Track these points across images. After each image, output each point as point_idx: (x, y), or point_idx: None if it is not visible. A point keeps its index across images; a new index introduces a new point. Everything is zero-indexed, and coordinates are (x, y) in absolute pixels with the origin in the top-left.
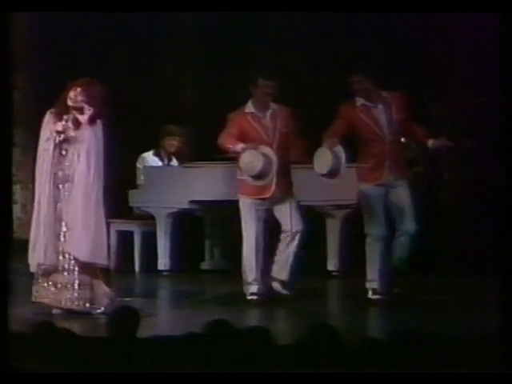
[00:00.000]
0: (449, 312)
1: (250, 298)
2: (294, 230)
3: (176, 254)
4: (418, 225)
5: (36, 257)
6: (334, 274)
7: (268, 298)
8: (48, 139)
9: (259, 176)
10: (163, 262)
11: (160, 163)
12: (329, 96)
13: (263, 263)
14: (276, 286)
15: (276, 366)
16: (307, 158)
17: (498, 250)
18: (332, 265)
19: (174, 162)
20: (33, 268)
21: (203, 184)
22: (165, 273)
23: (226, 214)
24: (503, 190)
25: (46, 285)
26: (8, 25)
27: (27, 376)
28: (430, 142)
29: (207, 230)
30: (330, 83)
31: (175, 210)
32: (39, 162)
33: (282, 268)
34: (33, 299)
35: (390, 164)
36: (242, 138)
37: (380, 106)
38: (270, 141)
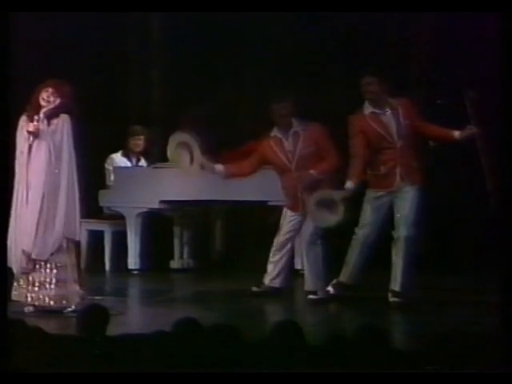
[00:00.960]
0: (444, 312)
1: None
2: (306, 239)
3: (146, 253)
4: (416, 229)
5: (14, 257)
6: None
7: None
8: (24, 142)
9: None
10: (133, 261)
11: (128, 164)
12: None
13: (283, 267)
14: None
15: (243, 363)
16: (331, 171)
17: (498, 250)
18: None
19: (143, 163)
20: (15, 270)
21: (173, 184)
22: (135, 272)
23: (194, 213)
24: (503, 190)
25: (23, 283)
26: (8, 25)
27: (27, 376)
28: (457, 134)
29: (176, 229)
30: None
31: (145, 209)
32: (17, 165)
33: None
34: (12, 298)
35: (401, 170)
36: (263, 162)
37: (388, 112)
38: (290, 163)
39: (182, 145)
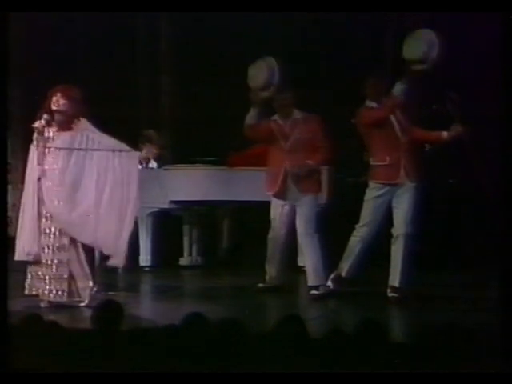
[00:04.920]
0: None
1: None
2: (300, 232)
3: (156, 250)
4: (415, 227)
5: (20, 248)
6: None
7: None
8: (33, 141)
9: (264, 87)
10: (145, 258)
11: (139, 166)
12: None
13: (282, 259)
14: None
15: (247, 355)
16: (324, 163)
17: (497, 246)
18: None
19: (153, 164)
20: (16, 256)
21: (182, 185)
22: (146, 268)
23: (203, 213)
24: (503, 189)
25: (34, 277)
26: (8, 25)
27: (27, 376)
28: (445, 134)
29: (186, 228)
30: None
31: (156, 209)
32: (28, 162)
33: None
34: (25, 292)
35: (405, 164)
36: (264, 138)
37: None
38: (284, 145)
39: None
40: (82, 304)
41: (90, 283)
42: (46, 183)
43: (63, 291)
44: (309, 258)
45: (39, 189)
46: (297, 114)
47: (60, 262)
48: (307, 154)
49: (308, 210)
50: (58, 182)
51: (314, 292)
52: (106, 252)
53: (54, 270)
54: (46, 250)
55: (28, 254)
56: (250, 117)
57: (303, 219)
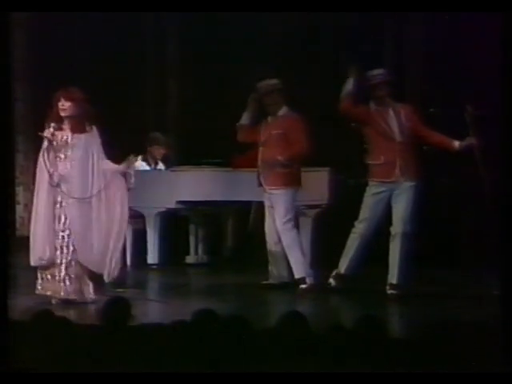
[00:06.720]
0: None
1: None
2: (280, 228)
3: (163, 249)
4: (413, 225)
5: (35, 252)
6: None
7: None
8: (43, 146)
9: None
10: (152, 256)
11: (148, 167)
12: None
13: (278, 257)
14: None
15: (251, 348)
16: (292, 160)
17: (496, 244)
18: None
19: (161, 166)
20: (32, 262)
21: (188, 186)
22: (153, 266)
23: (208, 213)
24: (504, 189)
25: (46, 278)
26: (8, 25)
27: (27, 376)
28: (457, 144)
29: (192, 227)
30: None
31: (163, 209)
32: (38, 166)
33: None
34: (36, 291)
35: (401, 163)
36: (254, 139)
37: (391, 111)
38: (261, 140)
39: None
40: (91, 301)
41: (91, 283)
42: (67, 187)
43: (79, 290)
44: (288, 255)
45: (56, 192)
46: (282, 112)
47: (77, 262)
48: (277, 150)
49: (278, 206)
50: (76, 186)
51: (302, 286)
52: (93, 269)
53: (73, 269)
54: (65, 251)
55: (41, 259)
56: (243, 119)
57: (275, 215)
